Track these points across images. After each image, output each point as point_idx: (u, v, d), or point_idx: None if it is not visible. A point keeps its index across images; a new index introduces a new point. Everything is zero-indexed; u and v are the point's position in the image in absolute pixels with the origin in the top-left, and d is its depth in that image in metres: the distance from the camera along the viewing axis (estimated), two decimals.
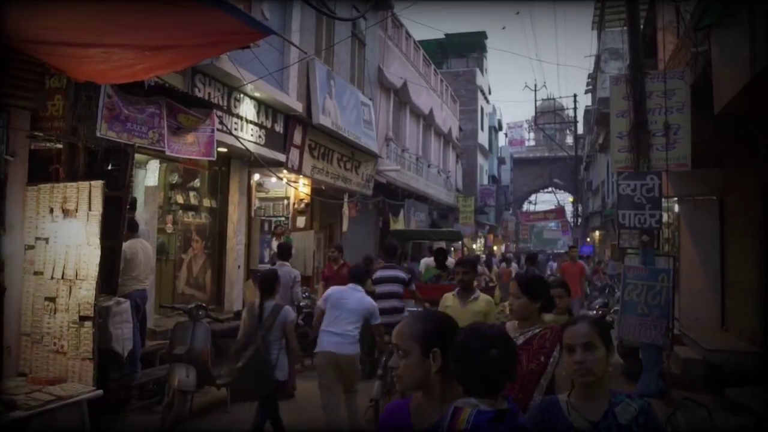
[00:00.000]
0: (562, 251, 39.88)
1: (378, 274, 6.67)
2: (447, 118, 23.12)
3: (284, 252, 7.49)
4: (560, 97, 52.98)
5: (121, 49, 4.04)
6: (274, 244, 10.55)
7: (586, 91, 28.55)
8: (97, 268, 4.84)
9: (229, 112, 8.39)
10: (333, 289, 5.15)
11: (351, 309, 4.91)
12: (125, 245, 6.13)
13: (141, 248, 6.34)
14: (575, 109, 32.66)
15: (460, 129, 27.13)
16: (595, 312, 8.43)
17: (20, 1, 3.39)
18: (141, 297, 6.32)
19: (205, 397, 6.42)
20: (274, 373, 4.67)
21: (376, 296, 6.04)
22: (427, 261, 10.54)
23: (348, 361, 4.80)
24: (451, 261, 9.89)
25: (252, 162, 9.21)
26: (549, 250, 47.90)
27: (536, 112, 34.18)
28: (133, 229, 6.36)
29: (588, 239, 32.74)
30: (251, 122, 8.98)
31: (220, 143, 7.66)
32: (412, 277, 6.87)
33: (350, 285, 5.11)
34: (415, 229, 15.84)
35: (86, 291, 4.89)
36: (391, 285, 6.52)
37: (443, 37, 30.68)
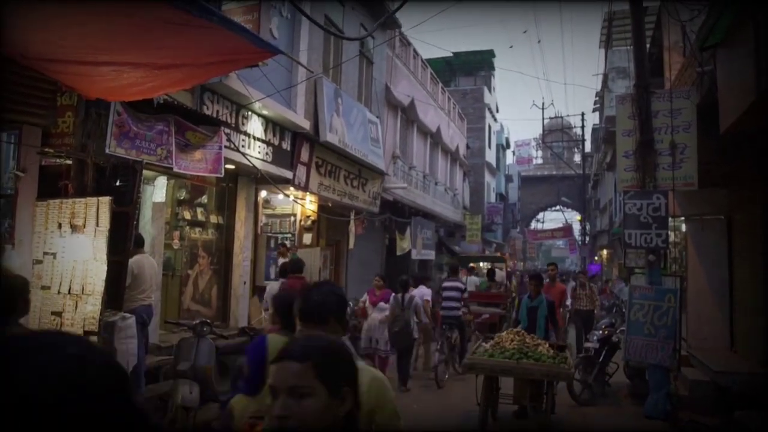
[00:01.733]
0: (572, 269, 39.74)
1: (445, 284, 9.93)
2: (454, 136, 23.21)
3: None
4: (568, 116, 53.17)
5: (132, 68, 4.12)
6: (282, 260, 10.58)
7: (594, 110, 28.65)
8: (104, 284, 4.88)
9: (237, 129, 8.48)
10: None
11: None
12: (132, 261, 6.16)
13: (147, 264, 6.38)
14: (583, 127, 32.66)
15: (468, 147, 27.20)
16: (601, 332, 8.37)
17: (33, 19, 3.47)
18: (147, 312, 6.34)
19: (207, 413, 6.40)
20: (412, 333, 8.20)
21: (442, 297, 9.59)
22: (472, 279, 14.48)
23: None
24: (501, 275, 15.27)
25: (259, 179, 9.27)
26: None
27: (544, 130, 34.22)
28: (139, 245, 6.40)
29: (596, 258, 32.56)
30: (259, 139, 9.06)
31: (228, 160, 7.72)
32: (465, 289, 9.98)
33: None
34: (471, 255, 21.33)
35: (92, 306, 4.93)
36: (453, 291, 9.56)
37: (451, 55, 30.91)
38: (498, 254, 28.35)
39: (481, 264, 19.24)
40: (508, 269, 17.87)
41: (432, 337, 9.83)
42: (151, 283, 6.36)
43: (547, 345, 6.36)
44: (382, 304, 8.33)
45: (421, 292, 9.46)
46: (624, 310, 11.34)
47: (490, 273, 15.15)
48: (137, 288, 6.22)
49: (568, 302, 11.17)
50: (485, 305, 12.82)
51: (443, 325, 9.42)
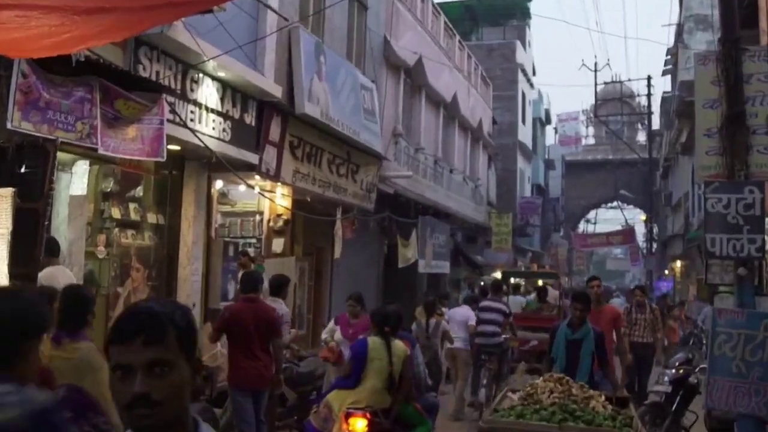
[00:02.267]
0: (632, 286, 39.77)
1: (484, 303, 10.87)
2: (476, 108, 23.24)
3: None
4: (629, 80, 53.19)
5: (42, 12, 4.09)
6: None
7: (664, 73, 28.67)
8: None
9: (184, 97, 8.45)
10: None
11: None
12: (42, 275, 6.13)
13: (63, 278, 6.36)
14: (649, 96, 32.82)
15: (494, 122, 27.27)
16: (674, 371, 8.38)
17: None
18: None
19: None
20: (441, 366, 9.38)
21: (479, 320, 10.41)
22: (516, 299, 15.59)
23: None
24: (554, 294, 15.96)
25: (213, 165, 9.23)
26: (613, 286, 47.54)
27: (596, 100, 34.31)
28: (53, 253, 6.38)
29: (666, 272, 32.66)
30: (213, 111, 9.04)
31: (172, 139, 7.68)
32: (510, 312, 10.90)
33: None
34: (519, 270, 24.17)
35: None
36: (494, 314, 10.41)
37: None
38: (546, 268, 28.63)
39: (521, 281, 20.31)
40: (561, 287, 18.47)
41: (466, 371, 10.52)
42: None
43: (603, 398, 5.81)
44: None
45: (465, 315, 10.65)
46: (705, 341, 11.37)
47: (542, 292, 16.16)
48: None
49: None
50: (533, 330, 13.02)
51: (481, 355, 10.02)
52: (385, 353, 5.76)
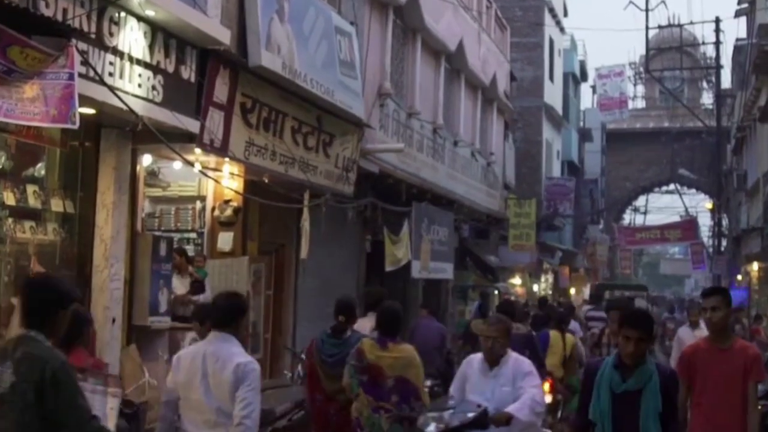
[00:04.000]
0: (695, 296, 40.03)
1: (589, 314, 15.16)
2: (489, 59, 23.26)
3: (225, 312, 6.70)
4: (691, 24, 53.31)
5: None
6: (179, 282, 10.51)
7: (737, 14, 28.78)
8: None
9: (101, 44, 8.40)
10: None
11: None
12: None
13: None
14: (717, 44, 32.91)
15: (513, 78, 27.30)
16: (761, 407, 8.48)
17: None
18: None
19: None
20: None
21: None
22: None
23: None
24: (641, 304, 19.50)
25: (139, 134, 9.21)
26: (670, 295, 47.97)
27: (648, 50, 34.37)
28: None
29: (739, 277, 32.84)
30: (140, 63, 8.99)
31: (84, 100, 7.64)
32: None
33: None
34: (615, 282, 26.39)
35: None
36: (600, 323, 12.87)
37: None
38: (580, 272, 28.80)
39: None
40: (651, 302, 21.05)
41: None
42: None
43: None
44: None
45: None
46: None
47: (630, 304, 17.98)
48: None
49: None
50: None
51: None
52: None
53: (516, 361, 6.54)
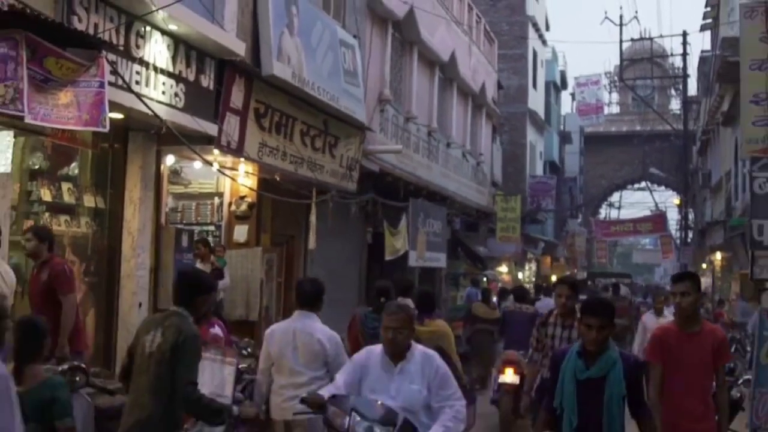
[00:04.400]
0: (662, 283, 40.06)
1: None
2: (478, 69, 23.23)
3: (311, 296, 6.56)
4: (661, 37, 53.35)
5: None
6: (202, 269, 10.50)
7: (703, 28, 28.71)
8: None
9: (128, 55, 8.39)
10: None
11: None
12: None
13: (2, 272, 6.37)
14: (684, 55, 32.89)
15: (500, 86, 27.28)
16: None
17: None
18: None
19: None
20: None
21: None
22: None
23: None
24: (626, 291, 20.90)
25: (163, 137, 9.19)
26: (642, 282, 47.97)
27: (622, 61, 34.34)
28: None
29: (704, 265, 32.89)
30: (163, 72, 8.98)
31: (114, 105, 7.63)
32: None
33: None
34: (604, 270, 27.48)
35: None
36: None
37: None
38: (560, 261, 28.87)
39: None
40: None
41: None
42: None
43: None
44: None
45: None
46: (749, 348, 11.49)
47: (616, 288, 20.97)
48: None
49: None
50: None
51: None
52: None
53: (424, 355, 5.16)
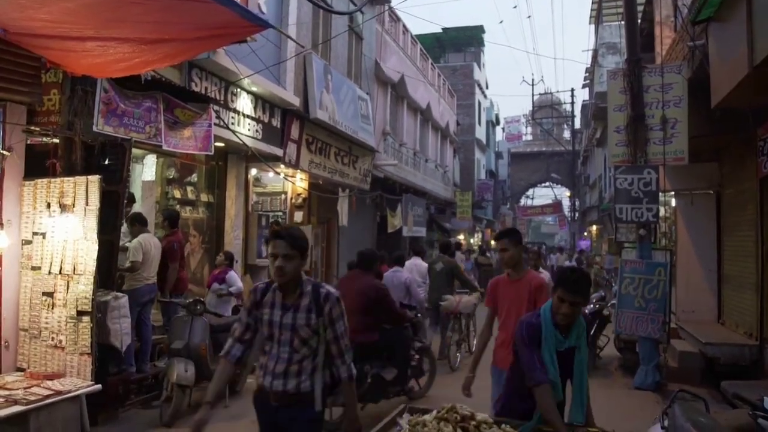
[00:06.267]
0: (562, 245, 39.92)
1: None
2: (444, 113, 23.09)
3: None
4: (558, 92, 52.97)
5: (118, 43, 4.02)
6: None
7: (584, 86, 28.54)
8: (95, 263, 4.84)
9: (226, 106, 8.37)
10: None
11: None
12: (140, 239, 6.16)
13: (153, 243, 6.37)
14: (572, 103, 32.64)
15: (458, 123, 27.08)
16: (592, 305, 8.45)
17: None
18: (151, 291, 6.32)
19: (203, 391, 6.43)
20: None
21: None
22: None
23: None
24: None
25: (249, 157, 9.18)
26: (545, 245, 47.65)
27: (534, 107, 34.12)
28: (143, 224, 6.38)
29: (585, 233, 32.83)
30: (248, 117, 8.96)
31: (217, 138, 7.64)
32: None
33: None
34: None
35: (84, 286, 4.89)
36: None
37: (441, 31, 30.61)
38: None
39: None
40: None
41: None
42: (154, 262, 6.32)
43: None
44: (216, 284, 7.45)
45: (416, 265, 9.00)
46: (614, 284, 11.50)
47: (539, 248, 21.16)
48: (146, 267, 6.16)
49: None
50: None
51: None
52: None
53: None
